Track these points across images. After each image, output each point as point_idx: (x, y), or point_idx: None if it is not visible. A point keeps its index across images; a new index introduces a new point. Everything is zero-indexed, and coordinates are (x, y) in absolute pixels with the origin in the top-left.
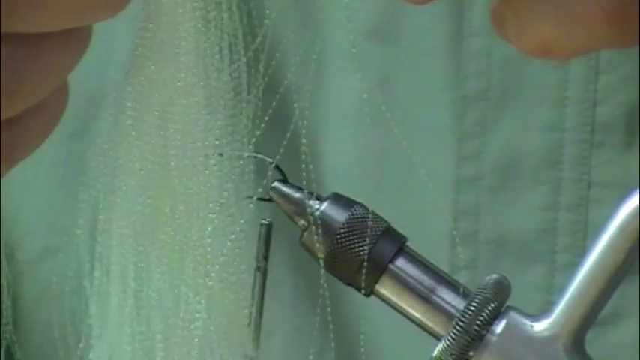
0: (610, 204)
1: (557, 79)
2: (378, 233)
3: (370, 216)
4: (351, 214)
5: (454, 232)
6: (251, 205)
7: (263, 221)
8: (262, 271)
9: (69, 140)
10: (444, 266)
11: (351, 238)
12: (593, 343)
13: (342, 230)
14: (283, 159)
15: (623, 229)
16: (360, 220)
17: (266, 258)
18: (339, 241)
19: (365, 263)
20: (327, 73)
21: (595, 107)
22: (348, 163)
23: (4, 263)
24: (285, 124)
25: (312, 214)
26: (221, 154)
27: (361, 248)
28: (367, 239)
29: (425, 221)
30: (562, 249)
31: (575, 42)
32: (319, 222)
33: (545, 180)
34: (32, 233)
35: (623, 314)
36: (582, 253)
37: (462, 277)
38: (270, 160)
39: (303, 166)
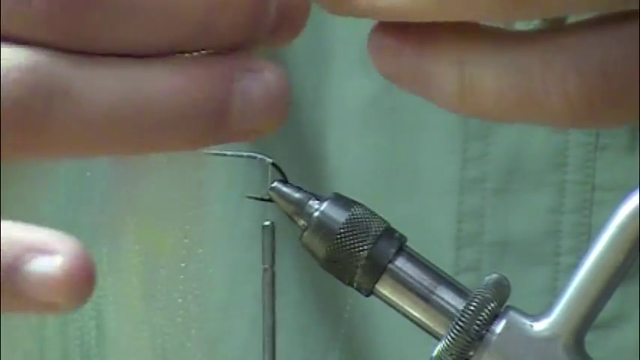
0: (614, 206)
1: None
2: (378, 233)
3: (370, 216)
4: (350, 214)
5: (459, 234)
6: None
7: (266, 223)
8: (270, 274)
9: None
10: (448, 268)
11: (351, 238)
12: (595, 345)
13: (341, 230)
14: (289, 160)
15: (623, 229)
16: (359, 220)
17: (272, 261)
18: (339, 241)
19: (365, 263)
20: (333, 74)
21: None
22: (354, 165)
23: None
24: (291, 125)
25: (310, 214)
26: (223, 154)
27: (361, 248)
28: (367, 239)
29: (429, 223)
30: (566, 251)
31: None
32: (319, 222)
33: (550, 182)
34: None
35: (625, 317)
36: None
37: (466, 279)
38: (271, 160)
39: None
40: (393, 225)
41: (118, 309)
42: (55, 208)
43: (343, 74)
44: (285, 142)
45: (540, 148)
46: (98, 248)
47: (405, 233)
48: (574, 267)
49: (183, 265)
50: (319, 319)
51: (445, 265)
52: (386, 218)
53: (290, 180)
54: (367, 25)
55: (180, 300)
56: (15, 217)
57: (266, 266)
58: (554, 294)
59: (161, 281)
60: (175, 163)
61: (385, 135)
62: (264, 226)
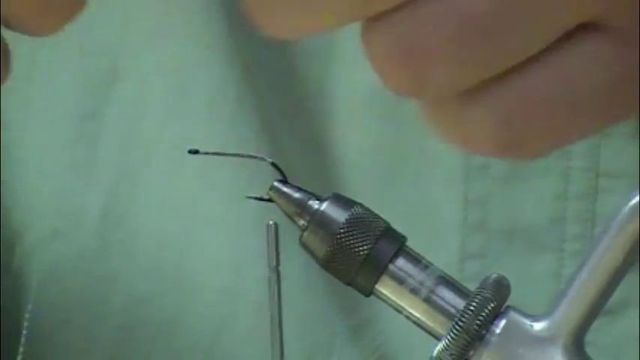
0: (618, 193)
1: None
2: (378, 233)
3: (370, 216)
4: (350, 214)
5: (464, 222)
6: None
7: (270, 222)
8: (276, 274)
9: (80, 122)
10: (454, 255)
11: (351, 238)
12: (600, 332)
13: (341, 231)
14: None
15: (623, 229)
16: (359, 220)
17: (277, 261)
18: (339, 241)
19: (364, 263)
20: (337, 64)
21: None
22: (359, 154)
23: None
24: (297, 115)
25: (310, 214)
26: (223, 154)
27: (361, 248)
28: (367, 239)
29: (436, 210)
30: (571, 238)
31: None
32: (318, 222)
33: (555, 169)
34: (41, 215)
35: (630, 303)
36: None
37: (472, 267)
38: (270, 160)
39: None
40: (400, 212)
41: None
42: None
43: (347, 64)
44: (292, 133)
45: None
46: None
47: (412, 221)
48: (579, 254)
49: None
50: (321, 308)
51: (451, 253)
52: (392, 207)
53: (297, 171)
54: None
55: None
56: None
57: (272, 268)
58: (560, 281)
59: None
60: None
61: (390, 124)
62: (268, 226)
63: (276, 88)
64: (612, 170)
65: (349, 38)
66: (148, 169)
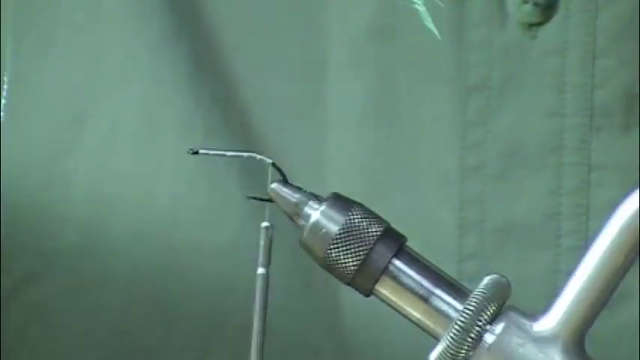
0: (611, 186)
1: (555, 66)
2: (378, 233)
3: (370, 216)
4: (350, 214)
5: (461, 222)
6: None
7: (265, 224)
8: (265, 278)
9: (51, 163)
10: (451, 256)
11: (350, 238)
12: (601, 324)
13: (341, 231)
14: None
15: (623, 229)
16: (359, 220)
17: (268, 263)
18: (338, 241)
19: (364, 264)
20: (328, 79)
21: (593, 92)
22: (353, 162)
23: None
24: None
25: (309, 214)
26: (223, 154)
27: (360, 249)
28: (366, 240)
29: (432, 213)
30: (566, 233)
31: None
32: (318, 222)
33: (548, 165)
34: (17, 258)
35: (631, 295)
36: (586, 237)
37: (469, 267)
38: (270, 160)
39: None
40: (396, 216)
41: None
42: None
43: (337, 79)
44: (286, 148)
45: (537, 132)
46: None
47: (408, 224)
48: (574, 249)
49: None
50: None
51: (448, 254)
52: (388, 210)
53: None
54: (360, 23)
55: None
56: None
57: (262, 271)
58: (557, 277)
59: None
60: None
61: (383, 131)
62: (263, 228)
63: (248, 118)
64: (604, 163)
65: (336, 55)
66: (121, 205)
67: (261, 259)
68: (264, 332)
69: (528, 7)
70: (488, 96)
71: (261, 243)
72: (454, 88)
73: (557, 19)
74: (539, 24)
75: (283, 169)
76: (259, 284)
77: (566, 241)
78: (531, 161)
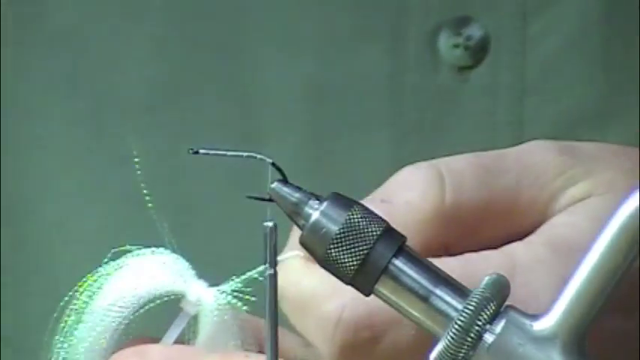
0: None
1: (487, 106)
2: (378, 233)
3: (369, 216)
4: (350, 214)
5: None
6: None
7: (268, 223)
8: (274, 277)
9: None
10: None
11: (350, 238)
12: None
13: (340, 230)
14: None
15: (622, 229)
16: (359, 220)
17: (275, 262)
18: (338, 241)
19: (364, 263)
20: (265, 135)
21: (523, 129)
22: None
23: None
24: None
25: (309, 214)
26: (223, 154)
27: (360, 248)
28: (366, 239)
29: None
30: None
31: None
32: (318, 222)
33: None
34: None
35: None
36: None
37: None
38: (270, 160)
39: None
40: None
41: None
42: None
43: (273, 138)
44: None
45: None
46: None
47: None
48: None
49: None
50: None
51: None
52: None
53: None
54: (298, 78)
55: None
56: None
57: (271, 272)
58: None
59: None
60: None
61: (318, 180)
62: (266, 227)
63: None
64: None
65: (276, 106)
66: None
67: (268, 259)
68: (276, 332)
69: (459, 51)
70: (422, 138)
71: (267, 243)
72: (390, 133)
73: (487, 61)
74: (471, 67)
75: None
76: (269, 284)
77: None
78: None
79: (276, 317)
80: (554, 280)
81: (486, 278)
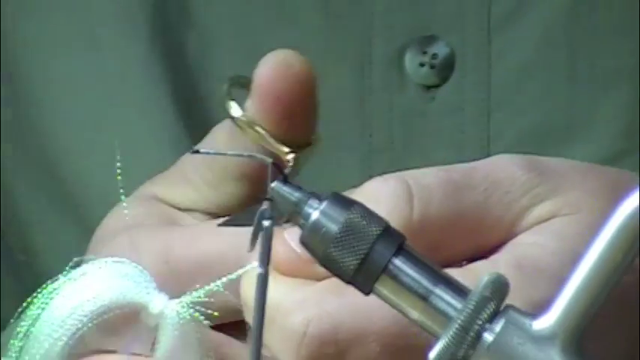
0: None
1: (454, 124)
2: (378, 232)
3: (369, 215)
4: (350, 213)
5: None
6: None
7: (265, 223)
8: (264, 277)
9: None
10: None
11: (350, 237)
12: None
13: (341, 229)
14: None
15: (621, 228)
16: (358, 219)
17: (268, 262)
18: (338, 240)
19: (364, 263)
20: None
21: (489, 145)
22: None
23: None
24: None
25: (309, 214)
26: (223, 154)
27: (360, 248)
28: (366, 239)
29: None
30: None
31: None
32: (318, 221)
33: None
34: None
35: None
36: None
37: None
38: (270, 160)
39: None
40: None
41: None
42: None
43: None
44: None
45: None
46: None
47: None
48: None
49: None
50: None
51: None
52: None
53: None
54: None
55: None
56: None
57: (261, 271)
58: None
59: None
60: None
61: None
62: (265, 227)
63: None
64: None
65: None
66: None
67: (260, 258)
68: (262, 333)
69: (425, 70)
70: (391, 157)
71: (261, 242)
72: (359, 153)
73: (453, 79)
74: (437, 85)
75: None
76: (259, 284)
77: None
78: None
79: (262, 319)
80: (518, 299)
81: (486, 278)
